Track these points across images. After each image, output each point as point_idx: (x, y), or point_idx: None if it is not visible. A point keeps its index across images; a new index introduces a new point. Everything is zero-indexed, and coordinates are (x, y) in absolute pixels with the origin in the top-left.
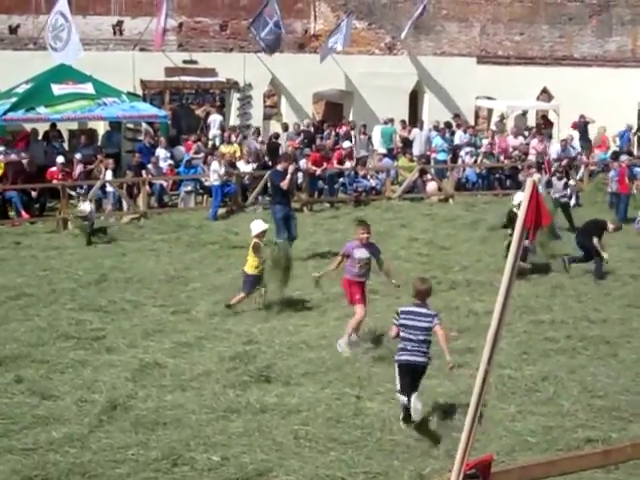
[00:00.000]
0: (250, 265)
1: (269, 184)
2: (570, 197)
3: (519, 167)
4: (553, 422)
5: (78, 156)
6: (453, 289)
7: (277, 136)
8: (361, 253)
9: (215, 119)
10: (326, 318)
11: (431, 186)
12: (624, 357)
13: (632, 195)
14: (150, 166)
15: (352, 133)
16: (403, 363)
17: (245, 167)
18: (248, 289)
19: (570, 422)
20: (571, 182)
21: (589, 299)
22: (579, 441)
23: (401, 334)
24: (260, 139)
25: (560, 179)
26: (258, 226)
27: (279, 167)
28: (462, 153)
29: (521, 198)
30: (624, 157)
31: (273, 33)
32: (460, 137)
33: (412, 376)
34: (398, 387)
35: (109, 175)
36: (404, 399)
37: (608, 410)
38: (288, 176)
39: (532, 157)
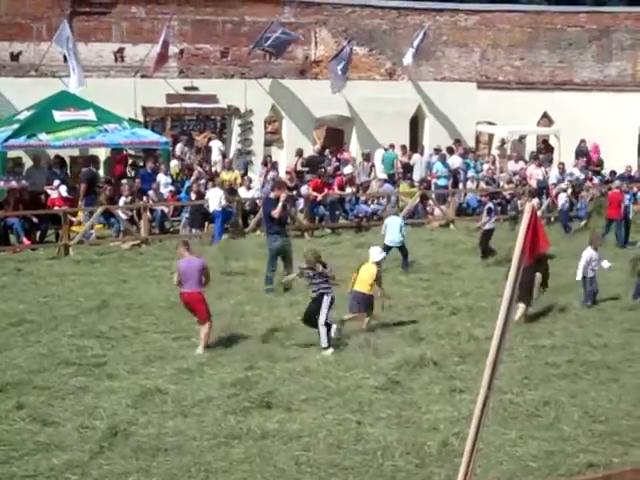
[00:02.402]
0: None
1: (262, 213)
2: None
3: (519, 192)
4: (554, 447)
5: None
6: (454, 314)
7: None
8: None
9: (216, 145)
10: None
11: (437, 211)
12: (625, 382)
13: (631, 220)
14: (151, 192)
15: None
16: None
17: (246, 193)
18: (365, 309)
19: (571, 447)
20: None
21: (590, 324)
22: (581, 466)
23: None
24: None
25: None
26: (378, 253)
27: (272, 195)
28: (462, 178)
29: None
30: (617, 182)
31: (279, 39)
32: (455, 162)
33: None
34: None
35: (122, 202)
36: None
37: (609, 435)
38: (280, 205)
39: (533, 182)
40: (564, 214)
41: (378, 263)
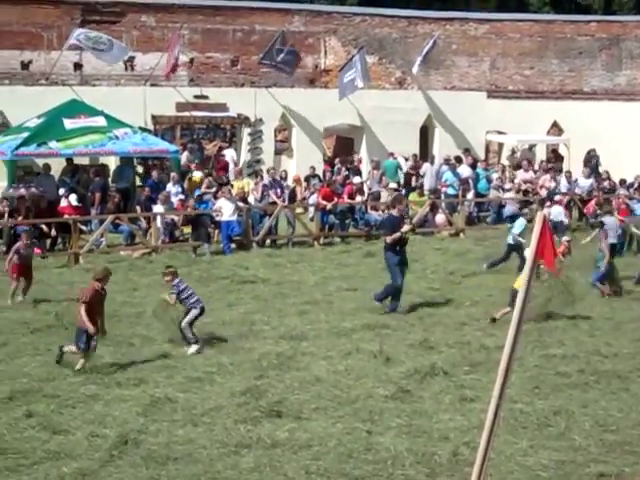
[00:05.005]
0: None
1: (383, 229)
2: None
3: (531, 200)
4: (565, 457)
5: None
6: (464, 324)
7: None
8: None
9: (229, 154)
10: (336, 352)
11: (440, 218)
12: (636, 391)
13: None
14: (159, 202)
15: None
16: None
17: (255, 203)
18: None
19: (582, 457)
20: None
21: (601, 333)
22: (591, 476)
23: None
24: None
25: None
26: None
27: (394, 212)
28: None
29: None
30: (623, 191)
31: (289, 54)
32: (465, 171)
33: None
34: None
35: (158, 208)
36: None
37: (620, 444)
38: (404, 229)
39: (543, 191)
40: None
41: None
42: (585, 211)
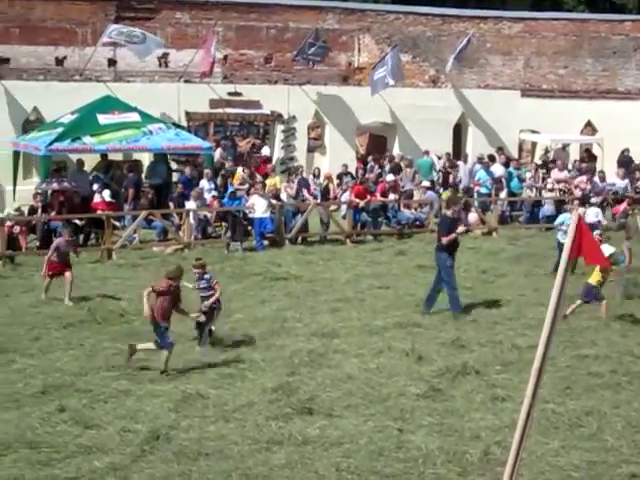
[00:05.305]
0: (594, 278)
1: (439, 230)
2: None
3: (566, 200)
4: (597, 457)
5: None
6: (497, 323)
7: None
8: None
9: (265, 152)
10: (368, 350)
11: (472, 217)
12: None
13: None
14: (192, 198)
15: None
16: None
17: (289, 199)
18: (589, 298)
19: (614, 457)
20: None
21: (633, 334)
22: (623, 476)
23: None
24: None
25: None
26: (607, 250)
27: (448, 212)
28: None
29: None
30: None
31: (321, 48)
32: (498, 170)
33: None
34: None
35: (191, 204)
36: None
37: None
38: (453, 235)
39: (578, 192)
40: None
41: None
42: (614, 211)
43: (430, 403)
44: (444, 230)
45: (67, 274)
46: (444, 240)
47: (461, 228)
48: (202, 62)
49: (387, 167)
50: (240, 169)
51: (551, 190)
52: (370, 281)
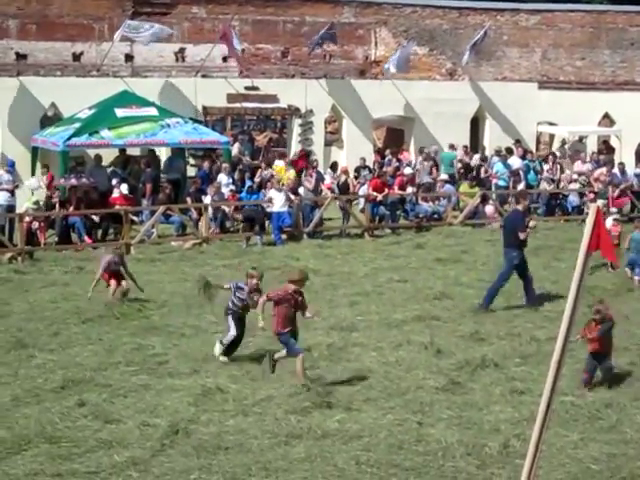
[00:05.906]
0: None
1: (504, 224)
2: None
3: (586, 193)
4: (616, 450)
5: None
6: (515, 316)
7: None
8: None
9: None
10: (387, 344)
11: (490, 209)
12: None
13: None
14: (209, 193)
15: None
16: None
17: (307, 193)
18: None
19: (634, 450)
20: None
21: None
22: None
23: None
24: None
25: None
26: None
27: (519, 207)
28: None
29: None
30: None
31: (327, 34)
32: (515, 163)
33: None
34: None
35: (209, 199)
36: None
37: None
38: (524, 234)
39: (598, 184)
40: None
41: None
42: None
43: (449, 396)
44: (520, 225)
45: (124, 283)
46: (522, 235)
47: (533, 222)
48: (229, 59)
49: (425, 164)
50: (279, 162)
51: (574, 181)
52: (388, 274)
